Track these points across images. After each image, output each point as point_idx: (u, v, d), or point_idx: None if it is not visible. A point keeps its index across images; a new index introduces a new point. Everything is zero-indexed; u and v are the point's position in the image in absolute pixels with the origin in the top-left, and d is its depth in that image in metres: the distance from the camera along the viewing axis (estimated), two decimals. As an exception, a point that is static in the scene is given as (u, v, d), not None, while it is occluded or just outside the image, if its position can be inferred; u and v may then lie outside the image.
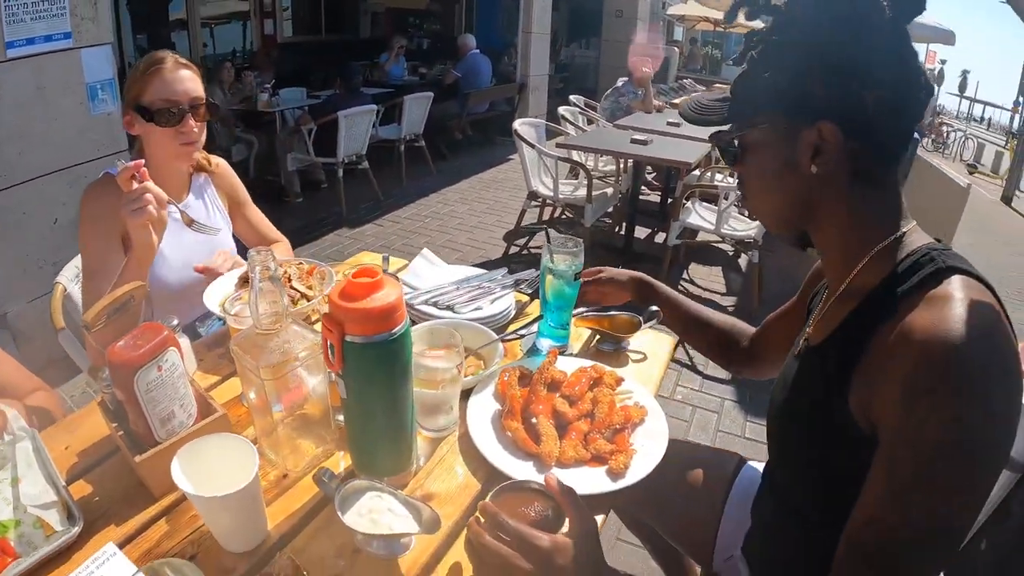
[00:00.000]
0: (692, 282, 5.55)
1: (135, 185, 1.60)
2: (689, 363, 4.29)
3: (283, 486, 1.24)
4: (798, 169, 1.07)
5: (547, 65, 11.85)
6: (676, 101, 9.11)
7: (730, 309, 5.05)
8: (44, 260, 3.76)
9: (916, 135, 3.80)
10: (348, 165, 7.00)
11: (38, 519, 1.10)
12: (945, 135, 18.74)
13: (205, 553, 0.91)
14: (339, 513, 1.05)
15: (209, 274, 1.82)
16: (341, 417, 1.25)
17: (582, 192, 5.55)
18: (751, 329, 1.69)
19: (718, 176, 5.94)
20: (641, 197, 6.41)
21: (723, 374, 4.13)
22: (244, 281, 1.69)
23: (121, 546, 1.08)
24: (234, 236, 2.26)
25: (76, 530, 1.09)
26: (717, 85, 8.83)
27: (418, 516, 1.06)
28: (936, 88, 27.32)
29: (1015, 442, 1.60)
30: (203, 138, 1.98)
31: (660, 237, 6.27)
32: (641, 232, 6.43)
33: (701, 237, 5.61)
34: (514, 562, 0.99)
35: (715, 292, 5.42)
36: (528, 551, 0.99)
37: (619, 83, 8.06)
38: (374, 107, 7.23)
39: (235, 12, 12.52)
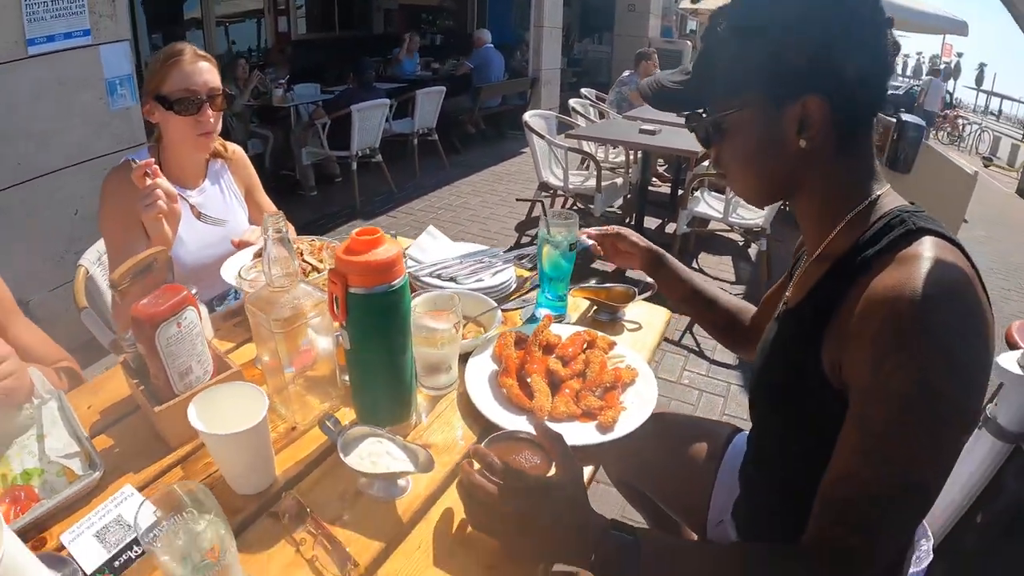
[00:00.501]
0: (702, 271, 5.60)
1: (148, 182, 1.70)
2: (696, 348, 4.35)
3: (291, 437, 1.33)
4: (784, 145, 1.08)
5: (559, 59, 11.88)
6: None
7: (739, 297, 5.11)
8: (65, 251, 3.85)
9: (922, 122, 3.84)
10: (362, 159, 7.10)
11: (62, 468, 1.18)
12: (961, 128, 18.58)
13: (217, 496, 0.98)
14: (341, 455, 1.13)
15: (244, 247, 1.94)
16: (347, 377, 1.34)
17: (592, 183, 5.62)
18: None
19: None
20: (651, 188, 6.46)
21: (730, 359, 4.18)
22: (258, 255, 1.78)
23: (139, 490, 1.16)
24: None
25: (97, 475, 1.17)
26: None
27: (415, 459, 1.14)
28: (952, 82, 27.05)
29: (1005, 412, 1.66)
30: (219, 127, 2.07)
31: (670, 227, 6.33)
32: (652, 222, 6.50)
33: (711, 226, 5.67)
34: (501, 500, 1.04)
35: (725, 281, 5.48)
36: (515, 491, 1.04)
37: (624, 74, 8.14)
38: (387, 101, 7.32)
39: (249, 10, 12.62)
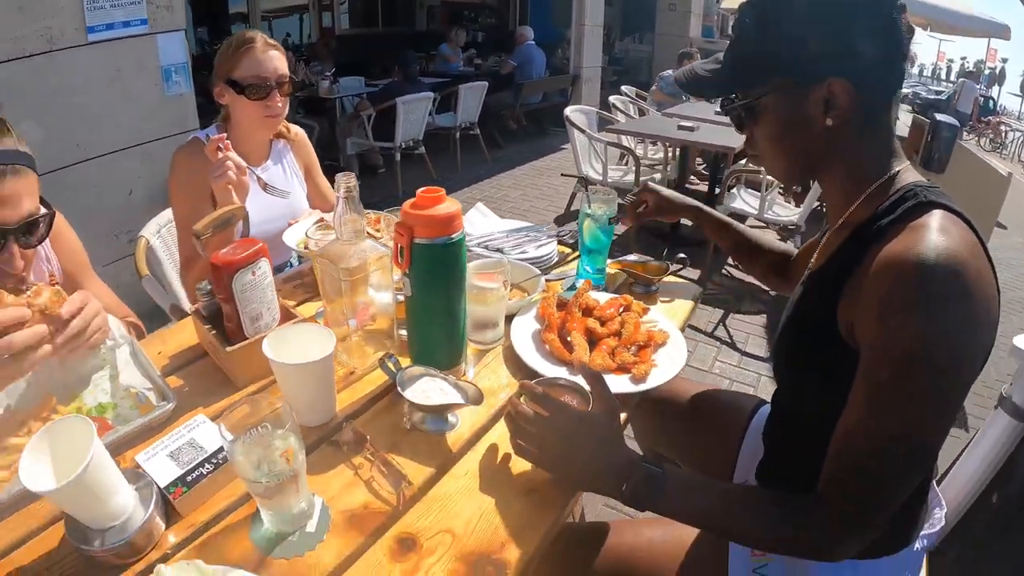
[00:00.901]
0: (737, 267, 5.66)
1: (219, 155, 1.84)
2: (729, 340, 4.42)
3: (350, 380, 1.47)
4: (811, 125, 1.16)
5: (600, 58, 11.95)
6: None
7: (773, 293, 5.17)
8: (119, 229, 4.03)
9: (956, 122, 3.86)
10: (405, 150, 7.27)
11: (134, 403, 1.32)
12: (1003, 135, 18.35)
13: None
14: (399, 389, 1.26)
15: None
16: (403, 332, 1.48)
17: (631, 177, 5.71)
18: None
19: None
20: (689, 186, 6.54)
21: (761, 351, 4.26)
22: (319, 223, 1.92)
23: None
24: None
25: (171, 406, 1.31)
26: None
27: (465, 394, 1.27)
28: (997, 88, 26.59)
29: (1021, 392, 1.73)
30: (286, 110, 2.22)
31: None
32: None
33: (747, 223, 5.73)
34: (545, 429, 1.16)
35: (759, 276, 5.54)
36: (558, 420, 1.16)
37: (667, 72, 8.24)
38: (431, 95, 7.48)
39: (294, 6, 12.89)
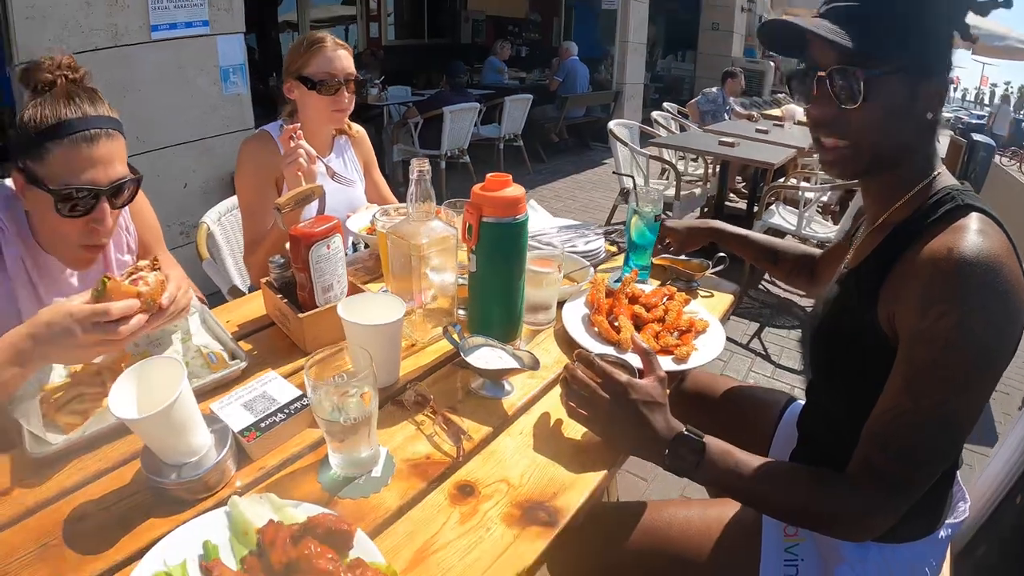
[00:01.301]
0: (773, 283, 5.71)
1: (292, 144, 1.96)
2: (763, 352, 4.48)
3: (412, 351, 1.58)
4: (916, 115, 1.19)
5: (643, 75, 12.07)
6: (770, 112, 9.27)
7: (809, 309, 5.22)
8: (173, 220, 4.20)
9: (992, 142, 3.91)
10: (450, 159, 7.43)
11: (206, 362, 1.44)
12: None
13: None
14: (462, 355, 1.37)
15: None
16: (462, 311, 1.61)
17: (671, 191, 5.79)
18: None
19: (804, 183, 6.10)
20: (729, 204, 6.59)
21: (795, 364, 4.31)
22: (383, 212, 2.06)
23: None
24: None
25: (243, 364, 1.43)
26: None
27: (521, 361, 1.37)
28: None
29: None
30: (352, 106, 2.35)
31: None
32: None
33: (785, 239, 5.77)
34: (596, 393, 1.25)
35: (796, 293, 5.58)
36: (609, 386, 1.25)
37: (712, 90, 8.35)
38: (477, 105, 7.63)
39: (342, 15, 13.12)
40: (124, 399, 1.08)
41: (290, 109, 2.36)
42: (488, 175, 1.44)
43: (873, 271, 1.24)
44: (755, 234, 1.98)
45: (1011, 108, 19.96)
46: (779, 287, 5.63)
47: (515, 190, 1.42)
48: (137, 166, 1.54)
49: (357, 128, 2.60)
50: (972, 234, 1.09)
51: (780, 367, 4.32)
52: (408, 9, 14.63)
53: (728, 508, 1.50)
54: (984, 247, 1.07)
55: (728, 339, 4.44)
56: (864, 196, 1.40)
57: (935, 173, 1.25)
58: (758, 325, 4.83)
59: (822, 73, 1.20)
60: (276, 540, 0.94)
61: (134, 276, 1.26)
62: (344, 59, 2.27)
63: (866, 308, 1.22)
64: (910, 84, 1.16)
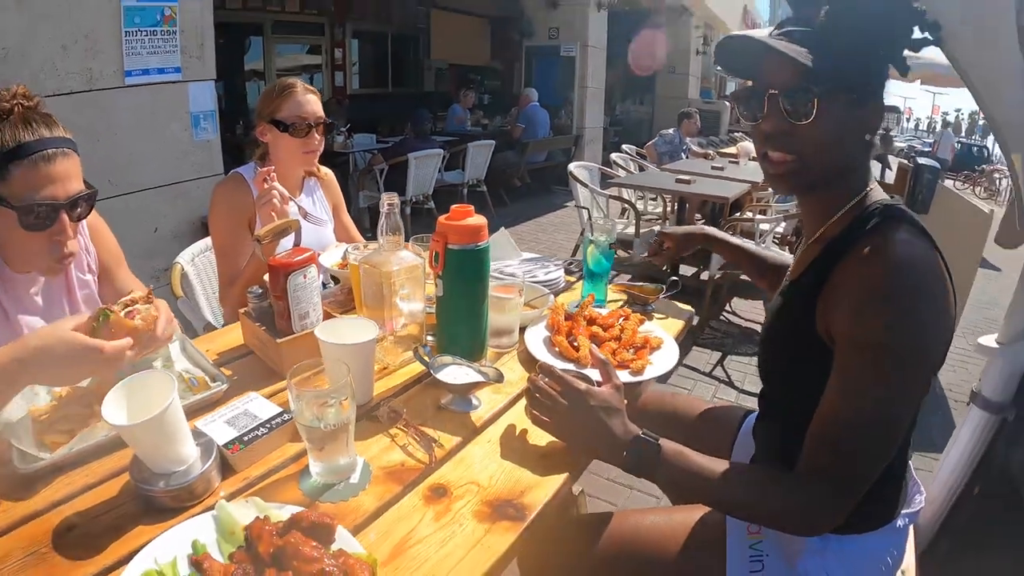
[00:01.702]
0: (735, 313, 5.86)
1: (266, 185, 2.07)
2: (726, 379, 4.61)
3: (384, 373, 1.68)
4: (860, 134, 1.29)
5: (602, 119, 12.38)
6: (725, 150, 9.53)
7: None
8: (145, 263, 4.23)
9: (937, 165, 4.09)
10: (415, 204, 7.55)
11: (187, 386, 1.52)
12: (998, 183, 19.03)
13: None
14: (432, 372, 1.48)
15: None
16: (430, 338, 1.72)
17: (631, 230, 5.95)
18: None
19: (759, 215, 6.28)
20: (688, 240, 6.74)
21: (758, 389, 4.42)
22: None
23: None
24: None
25: (224, 386, 1.52)
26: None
27: (487, 376, 1.48)
28: (992, 138, 27.35)
29: (988, 386, 1.88)
30: (322, 148, 2.47)
31: (705, 275, 6.61)
32: (688, 270, 6.79)
33: (743, 275, 5.92)
34: (557, 401, 1.35)
35: (756, 322, 5.74)
36: (569, 394, 1.34)
37: (669, 131, 8.59)
38: (441, 151, 7.80)
39: (308, 64, 13.33)
40: (116, 409, 1.16)
41: (261, 152, 2.47)
42: (452, 207, 1.56)
43: (810, 283, 1.32)
44: (746, 243, 2.08)
45: (952, 133, 21.05)
46: (740, 317, 5.78)
47: (477, 219, 1.55)
48: (108, 210, 1.64)
49: (326, 171, 2.72)
50: (898, 243, 1.19)
51: (743, 392, 4.45)
52: (372, 59, 14.88)
53: (693, 511, 1.57)
54: (909, 254, 1.18)
55: (691, 368, 4.61)
56: (803, 212, 1.49)
57: (868, 189, 1.35)
58: (720, 354, 4.96)
59: (774, 91, 1.26)
60: (263, 533, 1.01)
61: (130, 309, 1.34)
62: (314, 103, 2.40)
63: (805, 318, 1.31)
64: (855, 106, 1.25)
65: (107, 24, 4.06)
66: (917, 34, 1.24)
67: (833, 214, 1.36)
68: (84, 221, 1.73)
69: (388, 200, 1.56)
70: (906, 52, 1.25)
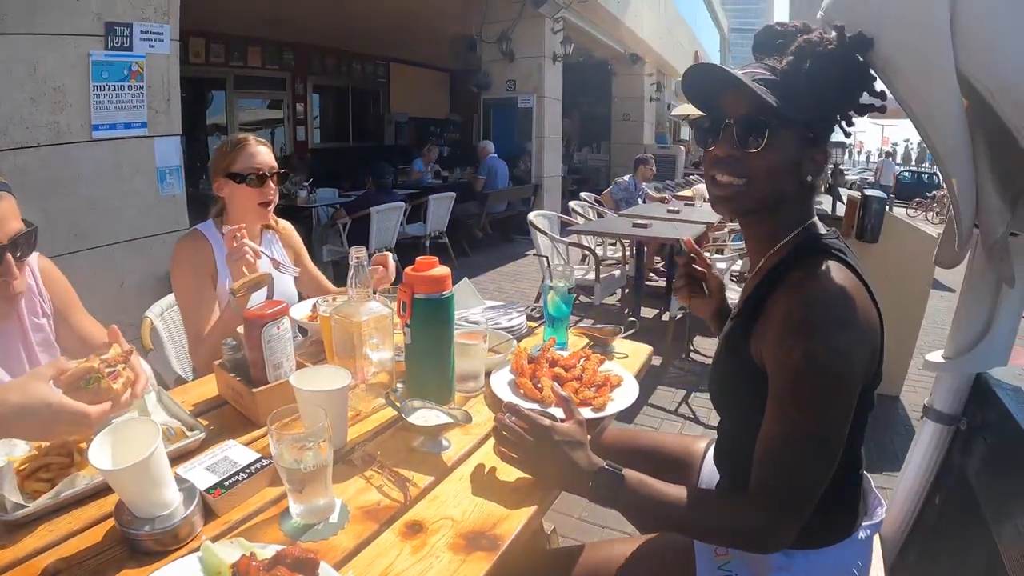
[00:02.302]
0: (697, 351, 5.96)
1: (236, 243, 2.15)
2: (692, 416, 4.70)
3: (357, 419, 1.75)
4: (799, 173, 1.38)
5: (560, 167, 12.61)
6: (682, 193, 9.74)
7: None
8: (111, 317, 4.21)
9: (884, 194, 4.22)
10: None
11: (164, 437, 1.54)
12: (948, 207, 19.86)
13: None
14: (403, 415, 1.56)
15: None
16: (400, 385, 1.78)
17: (592, 275, 6.07)
18: None
19: (716, 255, 6.45)
20: (649, 282, 6.89)
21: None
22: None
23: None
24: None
25: (202, 435, 1.57)
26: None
27: (456, 418, 1.56)
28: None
29: (939, 399, 1.95)
30: (276, 199, 2.55)
31: (666, 316, 6.73)
32: (649, 312, 6.93)
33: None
34: (524, 437, 1.42)
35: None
36: (534, 430, 1.42)
37: (624, 178, 8.81)
38: (403, 204, 7.91)
39: (269, 119, 13.47)
40: (101, 455, 1.22)
41: (219, 208, 2.55)
42: (417, 258, 1.67)
43: (749, 312, 1.42)
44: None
45: (892, 162, 22.79)
46: (703, 355, 5.89)
47: (441, 270, 1.65)
48: (74, 264, 1.71)
49: (283, 223, 2.79)
50: (820, 277, 1.29)
51: (709, 427, 4.51)
52: (333, 112, 15.08)
53: (662, 539, 1.64)
54: (828, 287, 1.27)
55: (657, 407, 4.70)
56: (746, 243, 1.57)
57: (809, 222, 1.45)
58: (685, 391, 5.06)
59: (730, 121, 1.36)
60: (250, 569, 1.07)
61: (113, 370, 1.36)
62: (266, 154, 2.49)
63: (744, 346, 1.40)
64: (801, 146, 1.36)
65: (76, 78, 4.15)
66: (865, 98, 1.35)
67: (774, 245, 1.46)
68: (36, 266, 1.80)
69: (356, 253, 1.65)
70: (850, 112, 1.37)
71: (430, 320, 1.66)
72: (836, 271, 1.31)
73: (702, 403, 4.90)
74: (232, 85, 12.55)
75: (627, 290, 6.88)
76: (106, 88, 4.31)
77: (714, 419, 4.46)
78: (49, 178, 4.04)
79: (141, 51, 4.52)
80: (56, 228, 4.11)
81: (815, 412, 1.24)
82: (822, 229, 1.45)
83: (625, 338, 2.30)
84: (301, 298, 2.71)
